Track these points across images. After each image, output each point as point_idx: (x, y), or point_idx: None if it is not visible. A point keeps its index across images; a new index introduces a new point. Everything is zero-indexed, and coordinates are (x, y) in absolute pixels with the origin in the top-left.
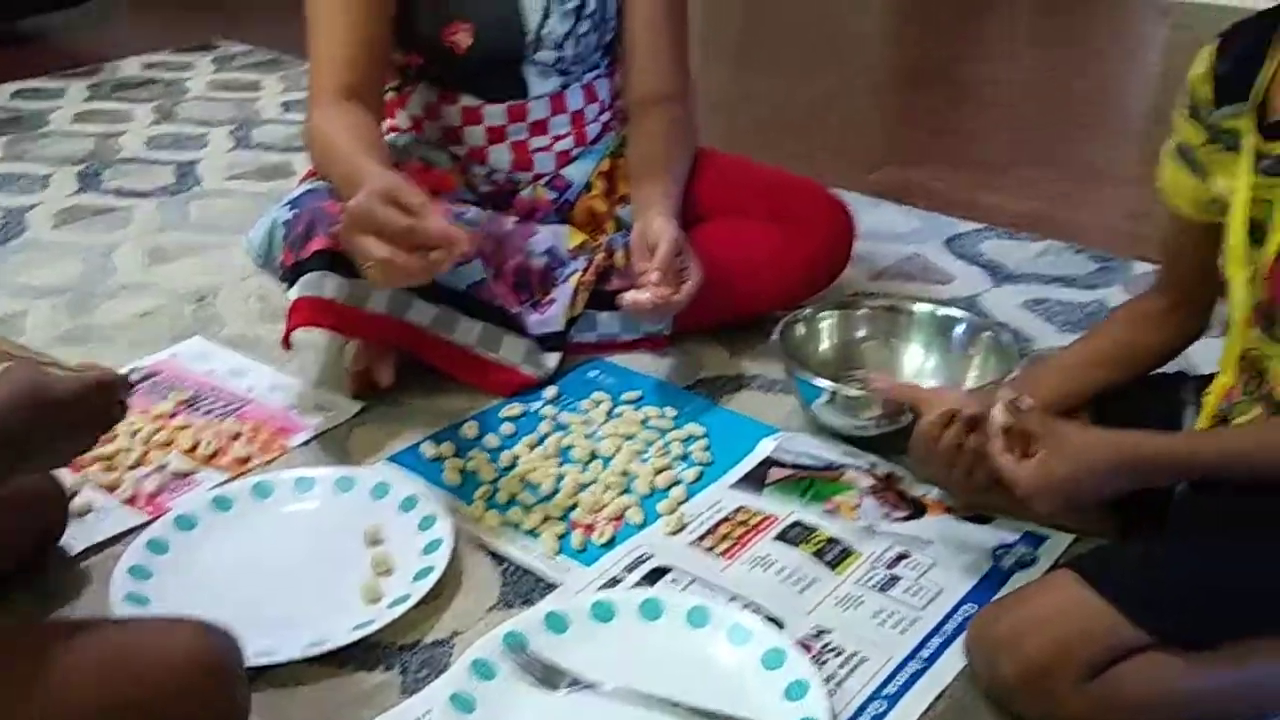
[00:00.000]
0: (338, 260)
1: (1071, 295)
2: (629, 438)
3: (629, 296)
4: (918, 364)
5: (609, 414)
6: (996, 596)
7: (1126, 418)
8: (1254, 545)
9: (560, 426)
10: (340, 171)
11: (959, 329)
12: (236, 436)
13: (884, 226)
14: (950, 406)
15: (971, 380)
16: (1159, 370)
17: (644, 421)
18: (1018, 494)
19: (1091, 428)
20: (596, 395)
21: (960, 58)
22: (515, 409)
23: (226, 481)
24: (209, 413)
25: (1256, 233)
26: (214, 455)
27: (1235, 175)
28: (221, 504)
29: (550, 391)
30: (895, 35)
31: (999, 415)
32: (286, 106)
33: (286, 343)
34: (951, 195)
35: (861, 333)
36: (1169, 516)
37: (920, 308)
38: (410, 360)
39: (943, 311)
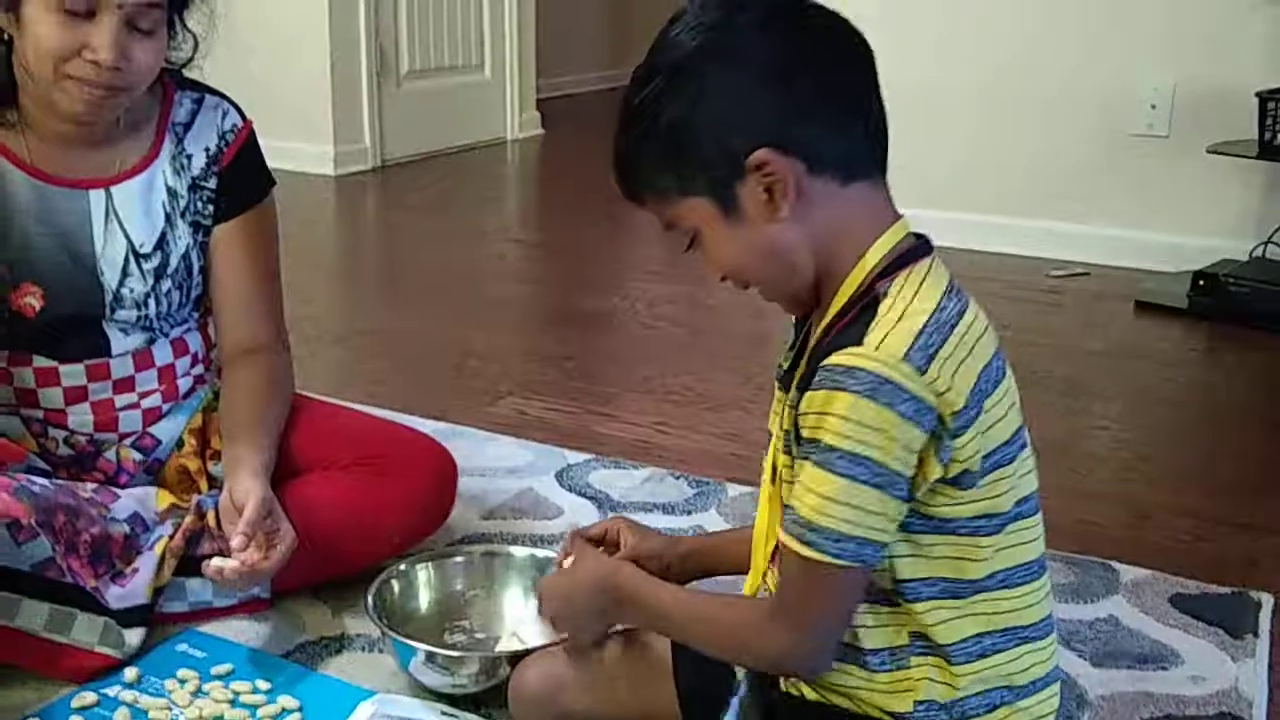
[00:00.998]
0: None
1: (670, 521)
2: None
3: (212, 565)
4: (519, 610)
5: (195, 693)
6: None
7: None
8: None
9: (138, 713)
10: None
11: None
12: None
13: (499, 461)
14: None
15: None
16: None
17: (233, 700)
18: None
19: (614, 558)
20: (182, 673)
21: (581, 290)
22: (88, 697)
23: None
24: None
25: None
26: None
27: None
28: None
29: (130, 673)
30: (519, 271)
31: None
32: None
33: None
34: (566, 426)
35: (461, 582)
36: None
37: (518, 551)
38: None
39: (542, 553)
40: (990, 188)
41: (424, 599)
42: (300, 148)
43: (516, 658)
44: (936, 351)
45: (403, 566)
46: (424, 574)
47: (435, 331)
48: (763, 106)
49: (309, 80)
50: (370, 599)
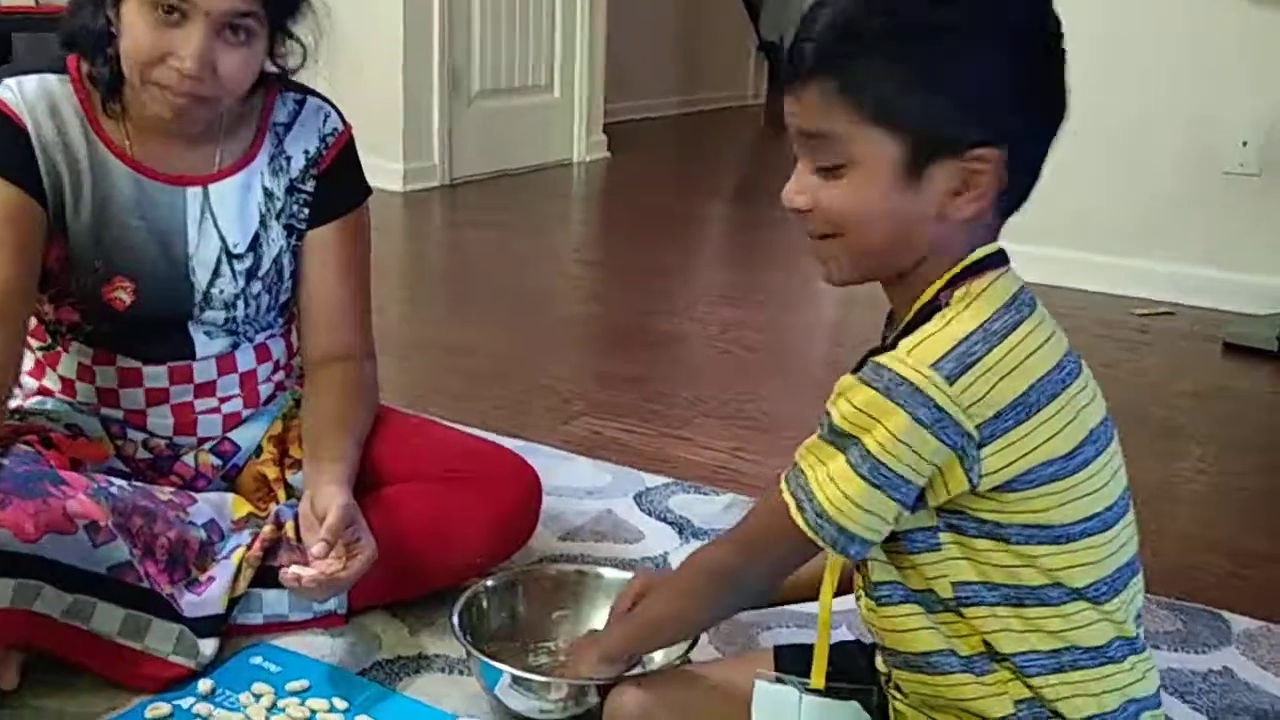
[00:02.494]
0: None
1: None
2: None
3: (290, 573)
4: None
5: (270, 709)
6: None
7: None
8: None
9: None
10: None
11: None
12: None
13: (576, 482)
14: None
15: (660, 652)
16: None
17: (310, 717)
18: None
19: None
20: (257, 687)
21: (651, 312)
22: (161, 708)
23: None
24: None
25: None
26: None
27: None
28: None
29: (204, 685)
30: (589, 290)
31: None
32: None
33: None
34: (642, 448)
35: (549, 602)
36: None
37: (609, 573)
38: (41, 654)
39: (632, 576)
40: (1074, 223)
41: (510, 618)
42: (370, 163)
43: (607, 685)
44: (975, 363)
45: (490, 583)
46: (510, 593)
47: (507, 348)
48: (1020, 107)
49: (381, 97)
50: (456, 617)
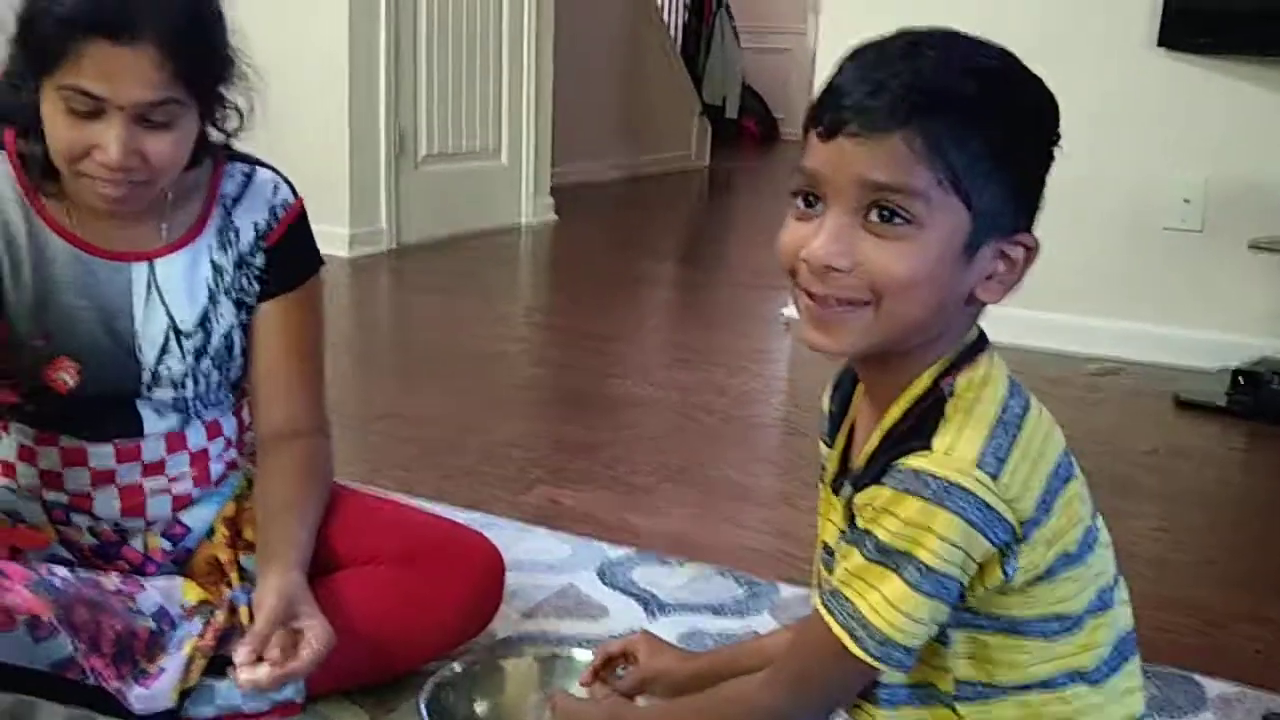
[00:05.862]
0: None
1: (722, 624)
2: None
3: (243, 677)
4: None
5: None
6: None
7: None
8: None
9: None
10: None
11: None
12: None
13: (536, 556)
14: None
15: None
16: None
17: None
18: None
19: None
20: None
21: (606, 375)
22: None
23: None
24: None
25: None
26: None
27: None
28: None
29: None
30: (541, 354)
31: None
32: None
33: None
34: (603, 517)
35: (521, 687)
36: None
37: (581, 655)
38: None
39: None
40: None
41: (480, 705)
42: (317, 229)
43: None
44: (1006, 455)
45: (457, 668)
46: (480, 678)
47: (460, 416)
48: (1040, 193)
49: (327, 161)
50: (424, 704)
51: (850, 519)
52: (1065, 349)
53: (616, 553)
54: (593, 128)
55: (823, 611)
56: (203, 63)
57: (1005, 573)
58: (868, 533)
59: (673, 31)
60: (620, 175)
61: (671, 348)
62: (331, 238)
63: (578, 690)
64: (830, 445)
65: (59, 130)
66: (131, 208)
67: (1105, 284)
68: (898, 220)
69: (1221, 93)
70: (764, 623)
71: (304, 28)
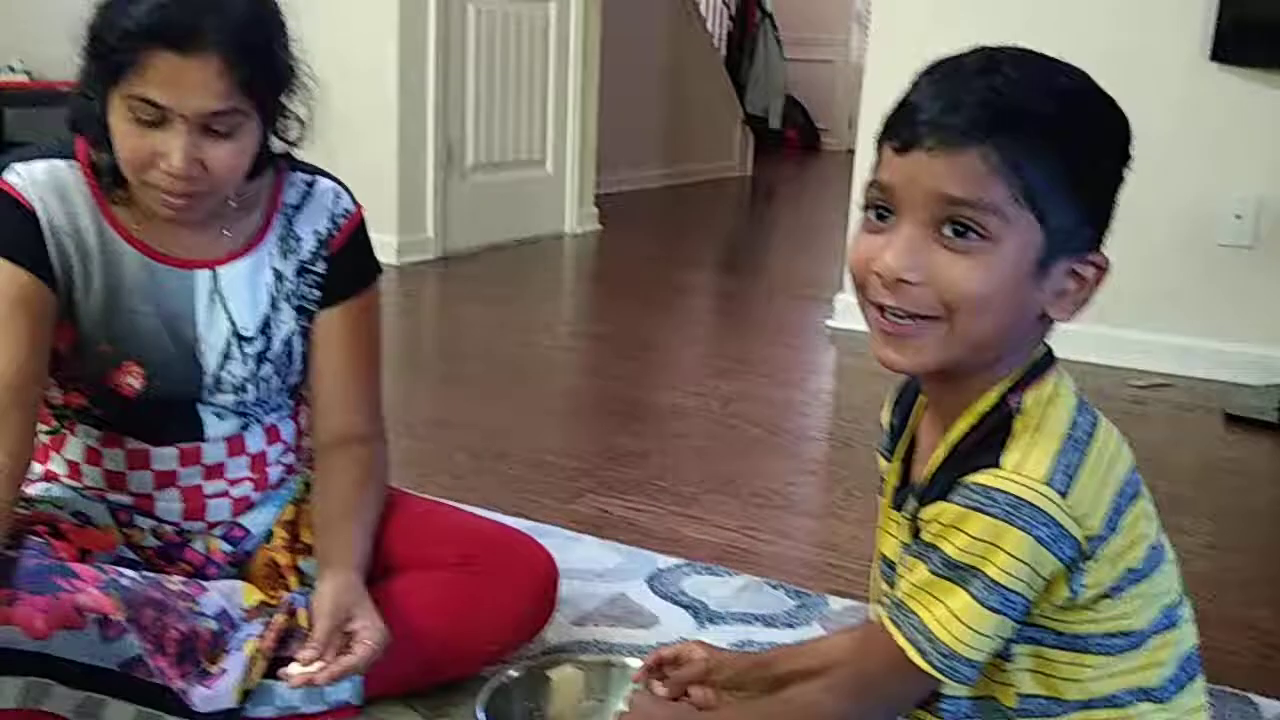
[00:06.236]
0: None
1: (773, 635)
2: None
3: (295, 669)
4: None
5: None
6: None
7: None
8: None
9: None
10: None
11: None
12: None
13: (586, 564)
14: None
15: None
16: None
17: None
18: None
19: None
20: None
21: (652, 385)
22: None
23: None
24: None
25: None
26: None
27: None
28: None
29: None
30: (586, 363)
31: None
32: None
33: None
34: (651, 526)
35: (576, 694)
36: None
37: (635, 663)
38: None
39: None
40: None
41: (536, 711)
42: None
43: None
44: (1075, 472)
45: (514, 673)
46: (536, 684)
47: (508, 423)
48: (1111, 213)
49: (376, 171)
50: (481, 710)
51: (914, 533)
52: (1113, 363)
53: (666, 562)
54: (636, 136)
55: (888, 623)
56: (265, 73)
57: (1072, 589)
58: (935, 547)
59: (716, 41)
60: (663, 184)
61: (715, 357)
62: (380, 245)
63: (630, 693)
64: (890, 459)
65: (126, 139)
66: (194, 216)
67: (1155, 298)
68: (972, 236)
69: (1275, 108)
70: (814, 634)
71: (356, 43)
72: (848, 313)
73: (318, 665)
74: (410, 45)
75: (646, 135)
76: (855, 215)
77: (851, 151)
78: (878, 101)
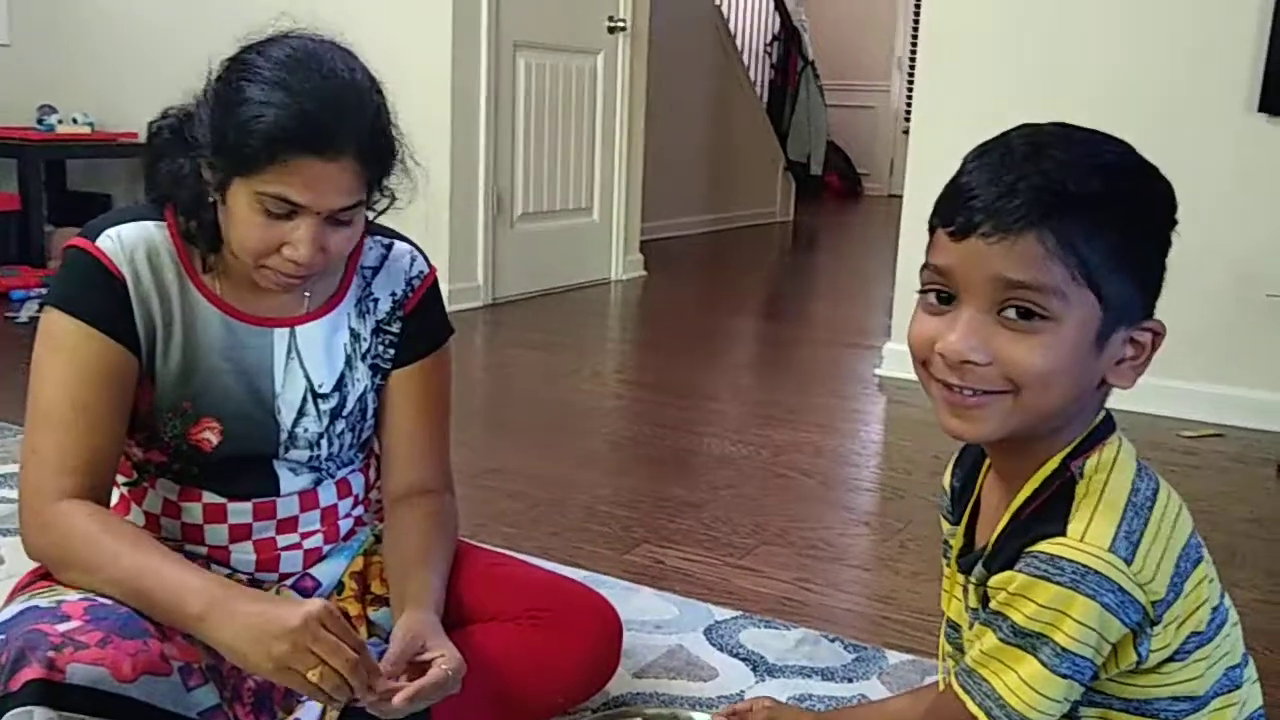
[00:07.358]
0: (51, 691)
1: (831, 690)
2: None
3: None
4: None
5: None
6: None
7: None
8: None
9: None
10: (142, 585)
11: None
12: None
13: (644, 615)
14: None
15: None
16: None
17: None
18: None
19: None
20: None
21: (702, 434)
22: None
23: None
24: None
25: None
26: None
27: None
28: None
29: None
30: (636, 412)
31: None
32: None
33: None
34: (706, 577)
35: None
36: None
37: (700, 717)
38: None
39: None
40: None
41: None
42: None
43: None
44: (1139, 538)
45: None
46: None
47: (561, 473)
48: (1162, 278)
49: (429, 220)
50: None
51: (983, 600)
52: (1164, 413)
53: (723, 614)
54: (680, 183)
55: (958, 690)
56: (388, 166)
57: (1139, 653)
58: (1003, 615)
59: (759, 89)
60: (706, 229)
61: (764, 405)
62: None
63: None
64: (954, 522)
65: (251, 229)
66: (297, 287)
67: (1206, 349)
68: (1034, 317)
69: None
70: (873, 688)
71: (410, 97)
72: (896, 361)
73: (395, 685)
74: (462, 98)
75: (690, 182)
76: (903, 264)
77: (894, 196)
78: (923, 149)
